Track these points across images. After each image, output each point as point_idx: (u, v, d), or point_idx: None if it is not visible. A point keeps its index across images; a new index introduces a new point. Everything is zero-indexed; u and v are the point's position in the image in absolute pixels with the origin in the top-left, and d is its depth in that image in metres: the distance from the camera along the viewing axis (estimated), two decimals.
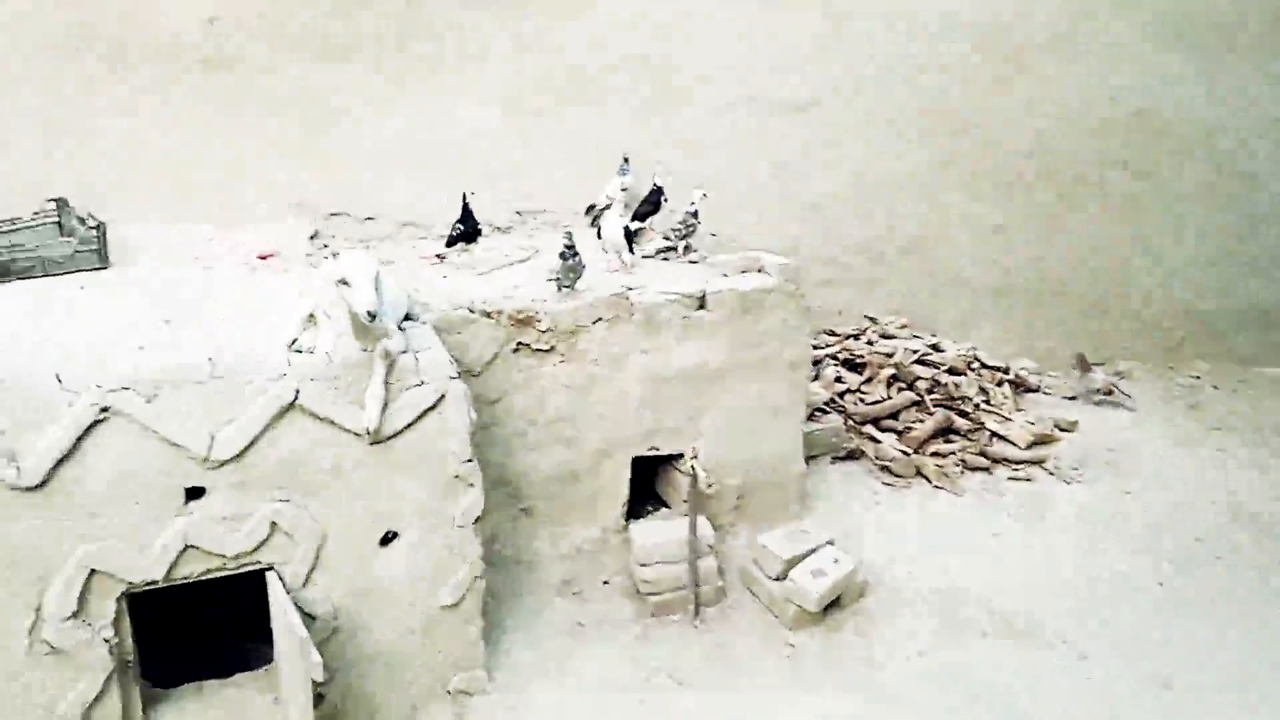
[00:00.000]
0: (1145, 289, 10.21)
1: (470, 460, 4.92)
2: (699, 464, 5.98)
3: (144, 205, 7.05)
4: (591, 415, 6.00)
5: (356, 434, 4.66)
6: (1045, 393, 9.36)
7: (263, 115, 7.44)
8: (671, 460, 6.38)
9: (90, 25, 7.09)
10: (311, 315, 4.97)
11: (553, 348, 5.81)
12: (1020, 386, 9.05)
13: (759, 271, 6.50)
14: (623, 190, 7.98)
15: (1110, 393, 9.16)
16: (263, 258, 6.44)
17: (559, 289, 5.85)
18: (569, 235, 5.78)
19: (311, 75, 7.55)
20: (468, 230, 6.67)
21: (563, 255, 5.68)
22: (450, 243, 6.75)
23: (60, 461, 4.16)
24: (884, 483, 7.61)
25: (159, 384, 4.33)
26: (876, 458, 7.78)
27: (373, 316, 4.46)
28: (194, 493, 4.45)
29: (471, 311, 5.62)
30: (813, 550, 6.25)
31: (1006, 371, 9.05)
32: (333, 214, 7.66)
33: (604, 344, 5.91)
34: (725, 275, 6.55)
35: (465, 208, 6.64)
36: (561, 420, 5.93)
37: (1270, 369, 10.39)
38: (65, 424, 4.16)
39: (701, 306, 6.12)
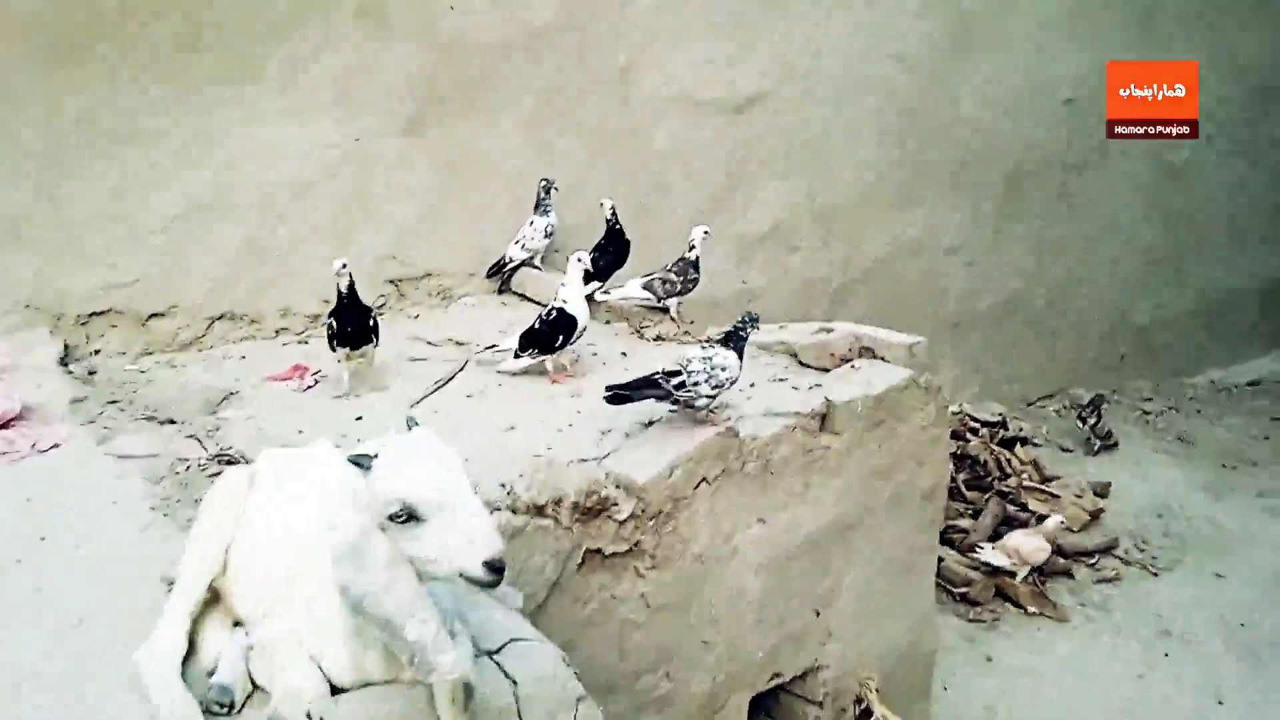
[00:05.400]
0: (1082, 304, 8.82)
1: None
2: (878, 699, 3.55)
3: None
4: (694, 645, 3.41)
5: None
6: (1035, 444, 7.68)
7: None
8: (786, 687, 3.89)
9: None
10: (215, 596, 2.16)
11: (635, 545, 3.18)
12: (1019, 443, 7.28)
13: (861, 355, 4.15)
14: (546, 237, 5.39)
15: (1110, 437, 7.65)
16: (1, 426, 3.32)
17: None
18: (743, 328, 3.20)
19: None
20: (357, 326, 3.85)
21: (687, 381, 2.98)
22: (332, 346, 3.90)
23: None
24: (969, 619, 5.52)
25: None
26: (945, 581, 5.65)
27: (499, 574, 1.80)
28: None
29: (515, 511, 2.86)
30: None
31: (1006, 427, 7.25)
32: (93, 314, 4.50)
33: (710, 520, 3.35)
34: (811, 365, 4.18)
35: (343, 291, 3.82)
36: (656, 667, 3.31)
37: (1198, 377, 9.43)
38: None
39: (823, 427, 3.71)
